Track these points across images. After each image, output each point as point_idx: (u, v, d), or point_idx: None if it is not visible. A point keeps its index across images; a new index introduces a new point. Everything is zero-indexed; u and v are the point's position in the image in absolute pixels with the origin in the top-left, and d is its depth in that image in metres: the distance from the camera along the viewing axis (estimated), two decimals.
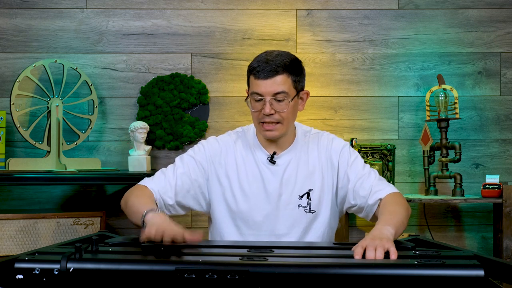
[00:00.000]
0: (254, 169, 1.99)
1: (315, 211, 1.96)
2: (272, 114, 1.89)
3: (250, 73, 1.93)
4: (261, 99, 1.89)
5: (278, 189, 1.96)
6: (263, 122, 1.92)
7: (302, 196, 1.96)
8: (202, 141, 2.06)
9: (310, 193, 1.96)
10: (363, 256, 1.48)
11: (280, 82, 1.88)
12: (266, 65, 1.87)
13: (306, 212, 1.96)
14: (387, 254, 1.49)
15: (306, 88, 2.02)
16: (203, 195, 2.02)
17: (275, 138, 1.95)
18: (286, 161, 1.99)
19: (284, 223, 1.96)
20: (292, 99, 1.90)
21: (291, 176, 1.97)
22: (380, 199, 1.91)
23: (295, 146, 2.01)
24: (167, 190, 1.96)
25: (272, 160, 1.98)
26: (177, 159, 2.04)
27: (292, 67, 1.91)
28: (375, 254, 1.48)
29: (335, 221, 2.04)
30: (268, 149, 2.00)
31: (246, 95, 1.97)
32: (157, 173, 2.02)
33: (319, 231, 1.98)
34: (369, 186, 1.94)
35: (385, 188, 1.94)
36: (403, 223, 1.78)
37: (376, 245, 1.49)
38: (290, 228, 1.96)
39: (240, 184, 1.98)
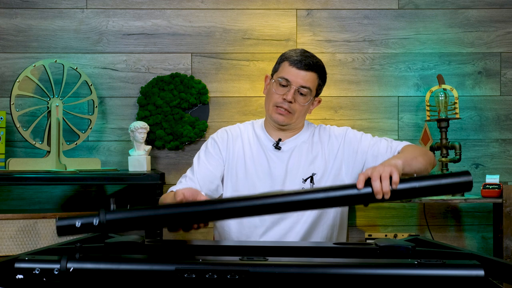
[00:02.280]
0: (261, 155, 2.08)
1: None
2: (291, 102, 2.01)
3: (286, 59, 2.04)
4: (287, 86, 2.01)
5: (283, 174, 2.04)
6: (278, 106, 2.03)
7: (305, 180, 2.04)
8: (212, 135, 2.17)
9: (313, 177, 2.04)
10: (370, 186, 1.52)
11: (310, 78, 2.03)
12: (304, 58, 2.02)
13: None
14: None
15: None
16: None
17: (283, 123, 2.05)
18: (291, 147, 2.08)
19: None
20: (312, 98, 2.05)
21: (296, 161, 2.06)
22: None
23: (300, 135, 2.11)
24: (192, 187, 2.00)
25: (277, 146, 2.07)
26: (194, 159, 2.14)
27: (322, 72, 2.08)
28: (380, 184, 1.51)
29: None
30: (274, 138, 2.10)
31: (266, 82, 2.09)
32: (180, 179, 2.11)
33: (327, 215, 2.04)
34: (386, 146, 2.04)
35: (401, 143, 2.05)
36: (415, 158, 1.86)
37: (380, 172, 1.53)
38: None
39: (246, 169, 2.06)
